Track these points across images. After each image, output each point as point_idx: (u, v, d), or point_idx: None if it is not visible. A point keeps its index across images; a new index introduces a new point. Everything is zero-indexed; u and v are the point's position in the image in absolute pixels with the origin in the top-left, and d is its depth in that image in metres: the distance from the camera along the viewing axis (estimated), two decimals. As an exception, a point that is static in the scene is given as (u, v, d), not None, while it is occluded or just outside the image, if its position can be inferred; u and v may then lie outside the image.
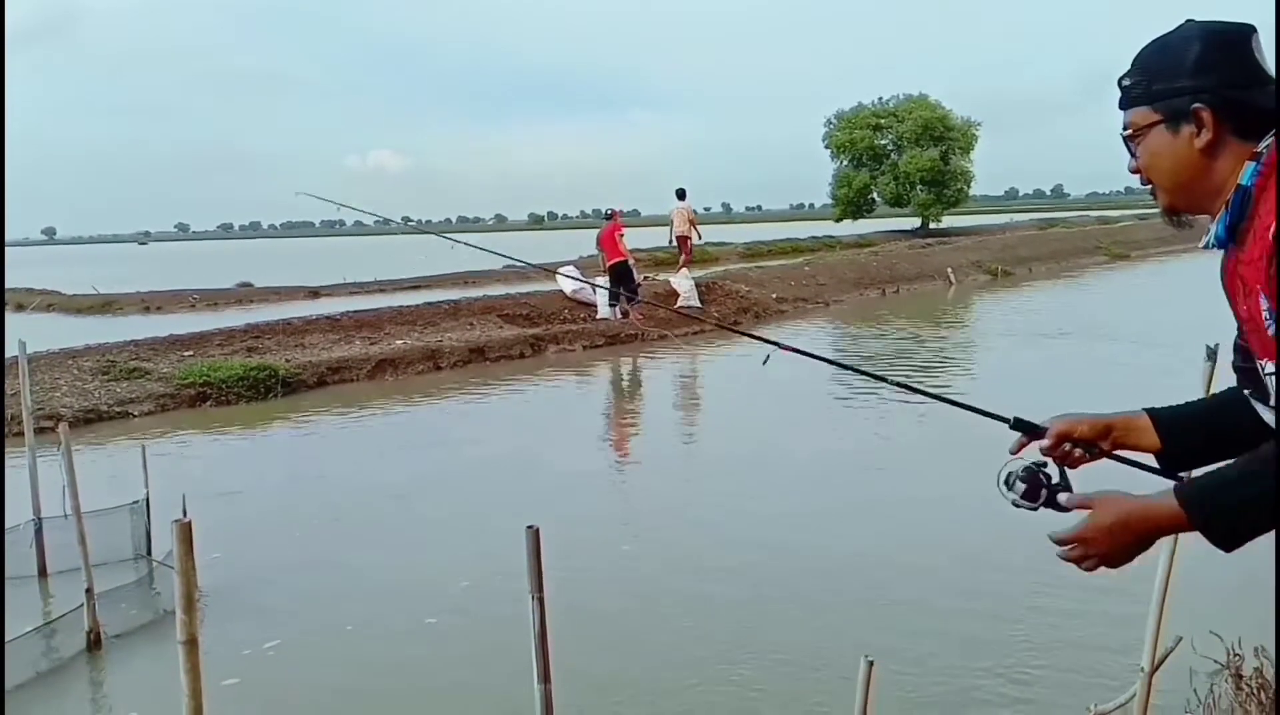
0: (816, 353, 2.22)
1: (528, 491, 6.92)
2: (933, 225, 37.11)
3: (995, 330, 14.64)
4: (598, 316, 15.01)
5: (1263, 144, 1.35)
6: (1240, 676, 3.20)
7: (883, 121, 37.08)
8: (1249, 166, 1.35)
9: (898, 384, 2.13)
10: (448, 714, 4.03)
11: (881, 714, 2.41)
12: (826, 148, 38.34)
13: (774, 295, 17.67)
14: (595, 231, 16.26)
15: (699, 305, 15.79)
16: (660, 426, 9.58)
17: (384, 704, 4.08)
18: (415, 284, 23.91)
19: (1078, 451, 1.63)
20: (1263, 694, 3.12)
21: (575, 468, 7.55)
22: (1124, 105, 1.47)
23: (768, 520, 6.07)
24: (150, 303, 21.92)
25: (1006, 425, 1.67)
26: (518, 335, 13.43)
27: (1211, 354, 3.09)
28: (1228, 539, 1.34)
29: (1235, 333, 1.43)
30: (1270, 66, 1.39)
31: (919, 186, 36.09)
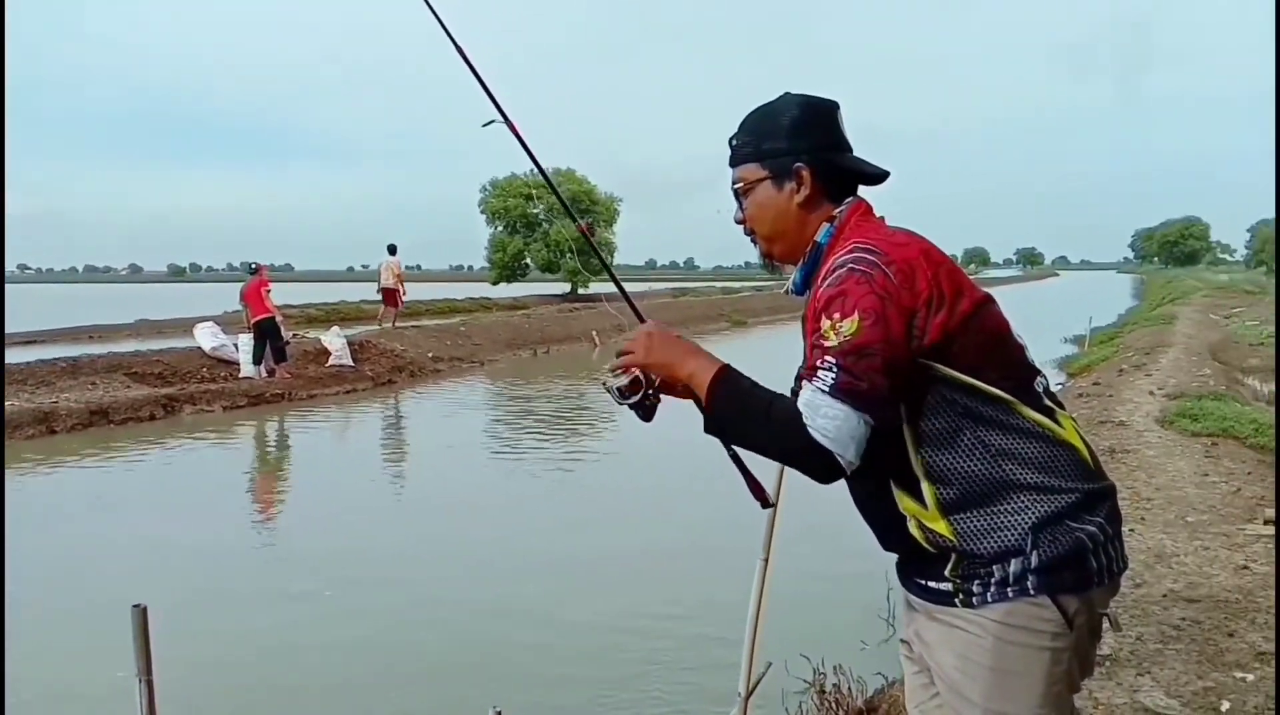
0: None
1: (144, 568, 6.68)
2: (581, 290, 39.18)
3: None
4: (240, 375, 14.42)
5: (838, 209, 1.61)
6: (823, 692, 3.66)
7: (534, 191, 38.71)
8: (825, 227, 1.61)
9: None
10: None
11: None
12: (483, 213, 39.42)
13: (430, 354, 17.88)
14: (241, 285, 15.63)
15: (351, 364, 15.65)
16: (302, 492, 9.51)
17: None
18: (30, 339, 21.38)
19: (641, 393, 1.75)
20: (839, 706, 3.59)
21: (195, 543, 7.38)
22: (734, 163, 1.68)
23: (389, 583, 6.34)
24: None
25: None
26: (148, 395, 12.57)
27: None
28: (712, 429, 1.61)
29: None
30: (850, 140, 1.64)
31: (568, 254, 38.02)
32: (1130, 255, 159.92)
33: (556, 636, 5.20)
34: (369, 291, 39.72)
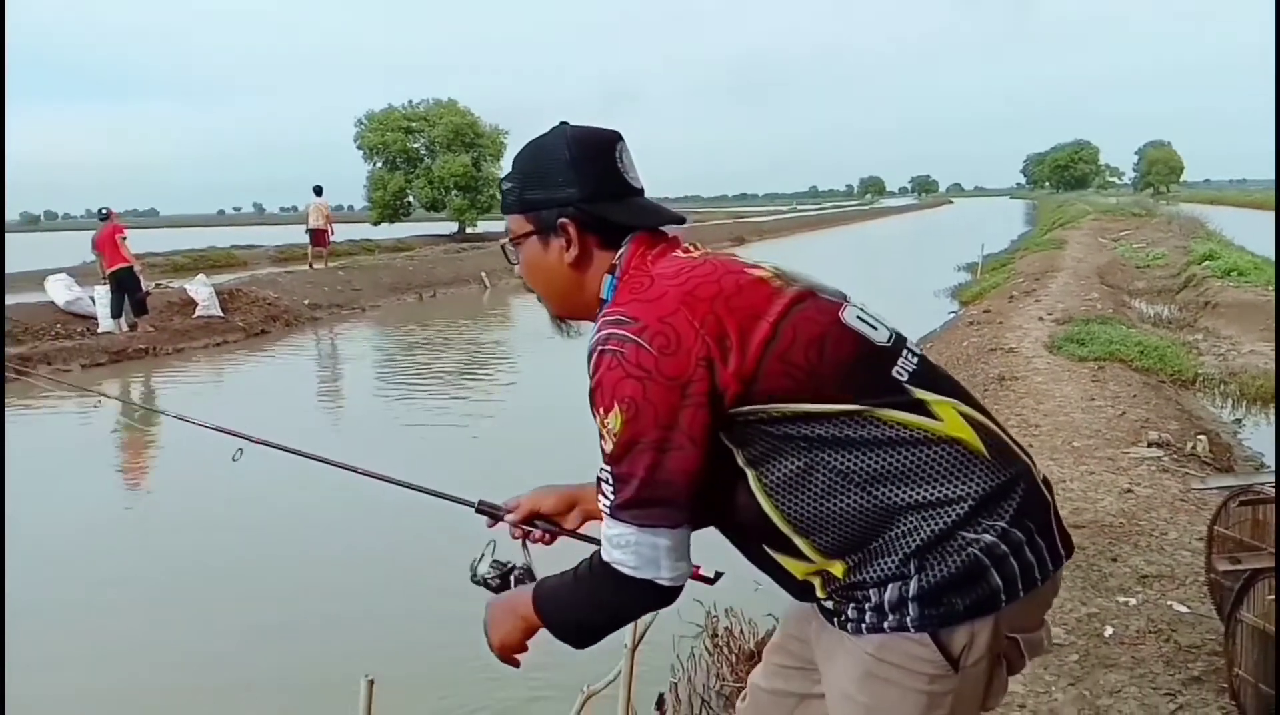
0: (287, 446, 2.02)
1: None
2: (469, 230, 38.12)
3: (521, 332, 15.48)
4: (99, 330, 13.40)
5: (619, 254, 1.38)
6: (715, 635, 3.61)
7: (414, 125, 37.27)
8: (607, 279, 1.38)
9: (367, 473, 1.92)
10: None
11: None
12: (359, 148, 37.71)
13: (306, 301, 17.01)
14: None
15: (220, 314, 14.72)
16: (170, 457, 8.85)
17: None
18: None
19: (541, 531, 1.64)
20: (729, 649, 3.51)
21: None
22: (503, 209, 1.47)
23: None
24: None
25: (472, 509, 1.69)
26: (-7, 356, 11.54)
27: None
28: (574, 641, 1.41)
29: None
30: (635, 174, 1.42)
31: (454, 191, 36.86)
32: (1023, 181, 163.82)
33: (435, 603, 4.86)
34: (239, 236, 38.04)
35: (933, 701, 1.30)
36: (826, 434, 1.27)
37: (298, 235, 34.65)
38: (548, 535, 1.64)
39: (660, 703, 3.36)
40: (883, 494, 1.27)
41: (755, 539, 1.37)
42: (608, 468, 1.30)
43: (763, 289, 1.32)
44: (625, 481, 1.28)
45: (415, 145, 37.59)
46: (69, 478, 7.60)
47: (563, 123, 1.42)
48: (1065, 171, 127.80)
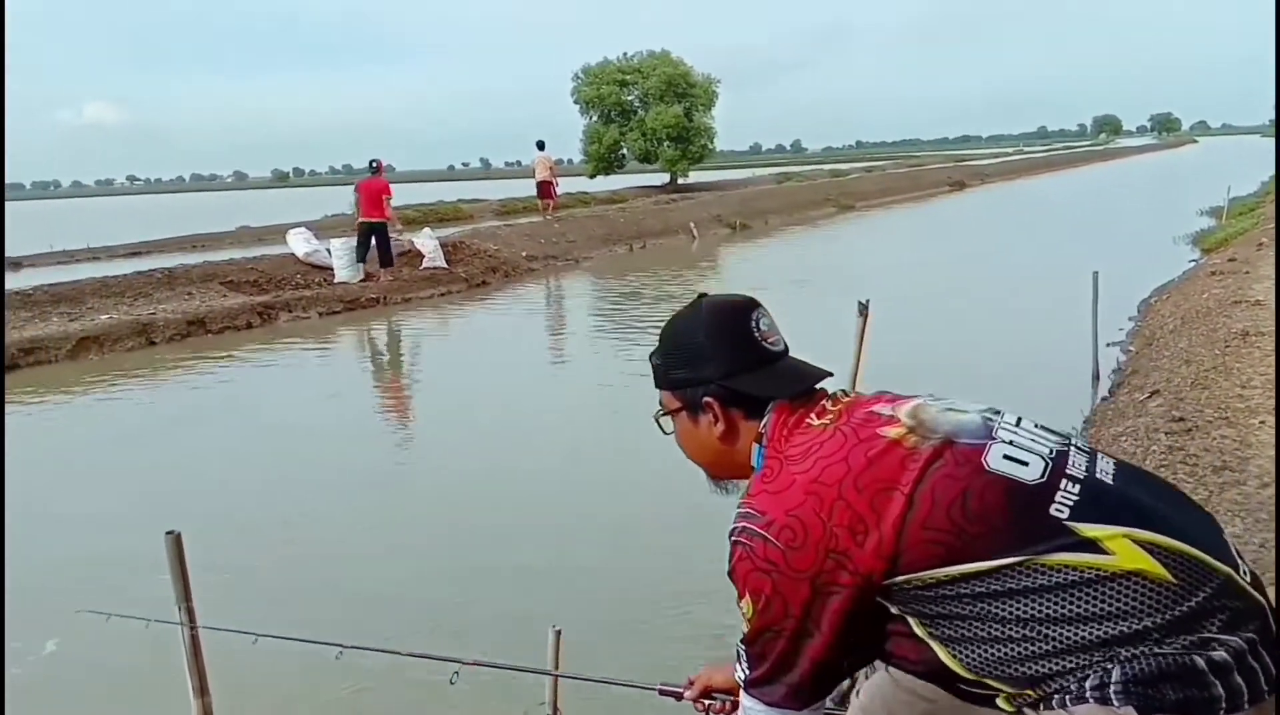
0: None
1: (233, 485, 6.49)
2: (680, 180, 38.13)
3: (730, 279, 15.26)
4: (335, 280, 14.30)
5: (763, 423, 1.40)
6: None
7: (628, 77, 37.48)
8: (756, 449, 1.41)
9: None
10: None
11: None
12: (575, 103, 38.38)
13: (524, 253, 17.50)
14: (347, 188, 15.37)
15: (445, 266, 15.37)
16: (412, 396, 9.27)
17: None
18: (135, 250, 21.85)
19: (720, 703, 1.71)
20: None
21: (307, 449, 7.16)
22: (655, 384, 1.53)
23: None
24: None
25: (655, 693, 1.85)
26: (244, 304, 12.54)
27: (863, 309, 3.29)
28: None
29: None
30: (775, 338, 1.46)
31: (666, 142, 36.89)
32: (1274, 117, 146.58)
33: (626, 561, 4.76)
34: (466, 191, 39.80)
35: None
36: (988, 589, 1.22)
37: (519, 189, 35.94)
38: (726, 705, 1.71)
39: None
40: (1064, 635, 1.20)
41: (945, 683, 1.33)
42: (743, 646, 1.36)
43: (895, 454, 1.27)
44: (757, 662, 1.34)
45: (629, 98, 37.83)
46: (319, 409, 8.11)
47: (701, 295, 1.48)
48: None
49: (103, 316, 11.50)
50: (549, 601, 4.28)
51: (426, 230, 16.65)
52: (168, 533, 2.38)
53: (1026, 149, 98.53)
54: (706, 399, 1.44)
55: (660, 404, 1.52)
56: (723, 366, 1.42)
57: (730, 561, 1.31)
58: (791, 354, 1.49)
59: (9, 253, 21.35)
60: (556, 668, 3.02)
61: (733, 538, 1.31)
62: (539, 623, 2.79)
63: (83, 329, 10.92)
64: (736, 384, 1.42)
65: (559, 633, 3.04)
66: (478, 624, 4.24)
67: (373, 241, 14.11)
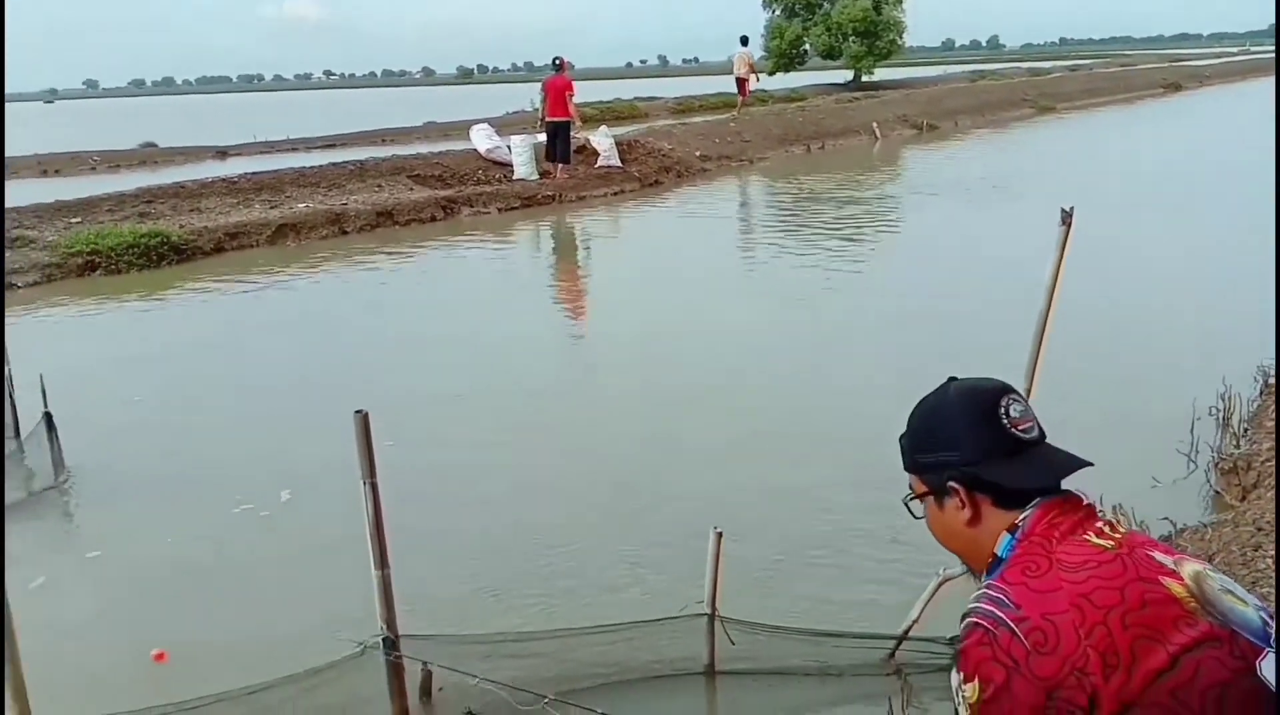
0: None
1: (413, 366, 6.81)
2: (865, 78, 36.45)
3: (911, 186, 14.59)
4: (514, 177, 14.57)
5: (1022, 516, 1.35)
6: None
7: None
8: (1005, 538, 1.36)
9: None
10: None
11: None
12: (759, -5, 37.11)
13: (698, 153, 17.29)
14: (531, 85, 15.53)
15: (619, 164, 15.38)
16: (591, 294, 9.45)
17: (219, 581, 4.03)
18: (329, 143, 22.94)
19: None
20: None
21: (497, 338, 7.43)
22: (903, 467, 1.50)
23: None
24: (48, 166, 20.71)
25: None
26: (429, 197, 12.99)
27: (1065, 217, 3.03)
28: None
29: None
30: (1027, 425, 1.40)
31: (851, 38, 35.24)
32: None
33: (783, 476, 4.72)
34: (643, 89, 39.45)
35: None
36: None
37: (696, 87, 35.33)
38: None
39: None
40: None
41: None
42: None
43: (1172, 610, 1.21)
44: None
45: (815, -12, 36.22)
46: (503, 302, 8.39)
47: (951, 378, 1.44)
48: None
49: (300, 205, 12.17)
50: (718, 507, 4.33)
51: (603, 128, 16.64)
52: (356, 412, 2.50)
53: (1253, 49, 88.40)
54: (951, 484, 1.41)
55: (909, 488, 1.50)
56: (970, 453, 1.39)
57: (963, 640, 1.27)
58: (1048, 441, 1.43)
59: (219, 143, 22.88)
60: (717, 565, 3.10)
61: (973, 618, 1.27)
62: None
63: (282, 216, 11.60)
64: (983, 471, 1.39)
65: (720, 535, 3.07)
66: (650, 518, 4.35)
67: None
